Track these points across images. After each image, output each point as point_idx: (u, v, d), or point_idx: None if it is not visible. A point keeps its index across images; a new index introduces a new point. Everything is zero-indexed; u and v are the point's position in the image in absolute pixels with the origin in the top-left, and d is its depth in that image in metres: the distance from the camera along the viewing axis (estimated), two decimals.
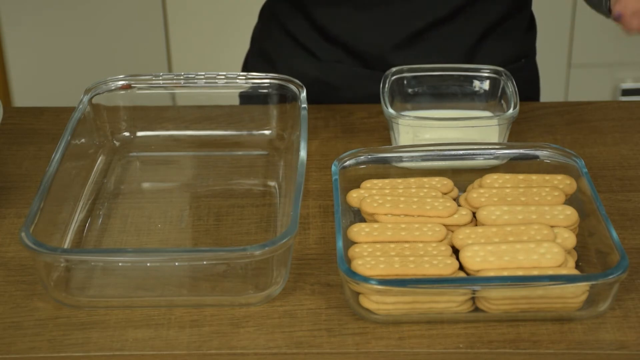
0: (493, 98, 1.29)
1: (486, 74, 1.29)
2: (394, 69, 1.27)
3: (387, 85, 1.24)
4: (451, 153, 1.12)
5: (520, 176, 1.10)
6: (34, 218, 0.99)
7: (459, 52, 1.36)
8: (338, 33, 1.37)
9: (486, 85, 1.29)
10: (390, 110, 1.19)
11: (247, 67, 1.50)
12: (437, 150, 1.12)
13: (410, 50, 1.35)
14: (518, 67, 1.34)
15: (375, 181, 1.10)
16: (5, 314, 0.98)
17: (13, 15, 2.63)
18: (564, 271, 0.96)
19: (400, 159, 1.13)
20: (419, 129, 1.20)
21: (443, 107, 1.29)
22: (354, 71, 1.38)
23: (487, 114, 1.29)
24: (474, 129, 1.21)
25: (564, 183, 1.09)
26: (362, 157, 1.12)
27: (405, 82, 1.29)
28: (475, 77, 1.29)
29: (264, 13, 1.48)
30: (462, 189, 1.11)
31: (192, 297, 0.99)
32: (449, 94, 1.30)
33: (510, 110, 1.20)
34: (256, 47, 1.49)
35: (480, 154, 1.13)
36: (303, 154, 1.08)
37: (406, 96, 1.30)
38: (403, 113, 1.22)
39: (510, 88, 1.24)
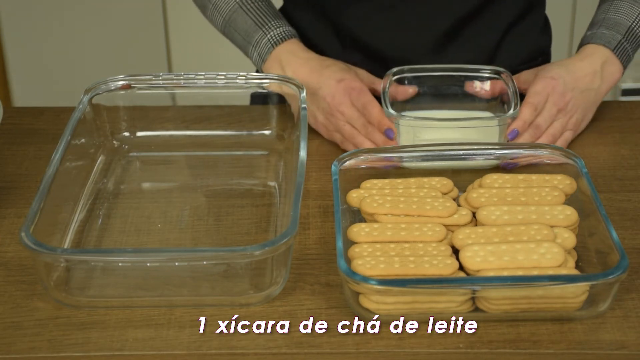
0: (493, 98, 1.29)
1: (486, 74, 1.29)
2: (394, 69, 1.27)
3: (387, 86, 1.24)
4: (451, 153, 1.12)
5: (520, 176, 1.10)
6: (34, 218, 0.98)
7: (481, 51, 1.36)
8: (359, 34, 1.35)
9: (487, 85, 1.29)
10: (391, 110, 1.19)
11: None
12: (437, 150, 1.12)
13: (436, 55, 1.34)
14: (535, 65, 1.34)
15: (375, 181, 1.10)
16: (5, 314, 0.98)
17: (13, 15, 2.63)
18: (564, 271, 0.96)
19: (400, 159, 1.13)
20: (419, 129, 1.19)
21: (443, 107, 1.29)
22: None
23: (488, 114, 1.29)
24: (474, 129, 1.21)
25: (564, 183, 1.09)
26: (362, 157, 1.12)
27: (405, 82, 1.29)
28: (476, 78, 1.29)
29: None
30: (462, 189, 1.11)
31: (192, 297, 0.99)
32: (449, 94, 1.30)
33: (511, 111, 1.20)
34: None
35: (480, 154, 1.13)
36: (303, 154, 1.07)
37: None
38: (403, 113, 1.22)
39: (511, 88, 1.24)
